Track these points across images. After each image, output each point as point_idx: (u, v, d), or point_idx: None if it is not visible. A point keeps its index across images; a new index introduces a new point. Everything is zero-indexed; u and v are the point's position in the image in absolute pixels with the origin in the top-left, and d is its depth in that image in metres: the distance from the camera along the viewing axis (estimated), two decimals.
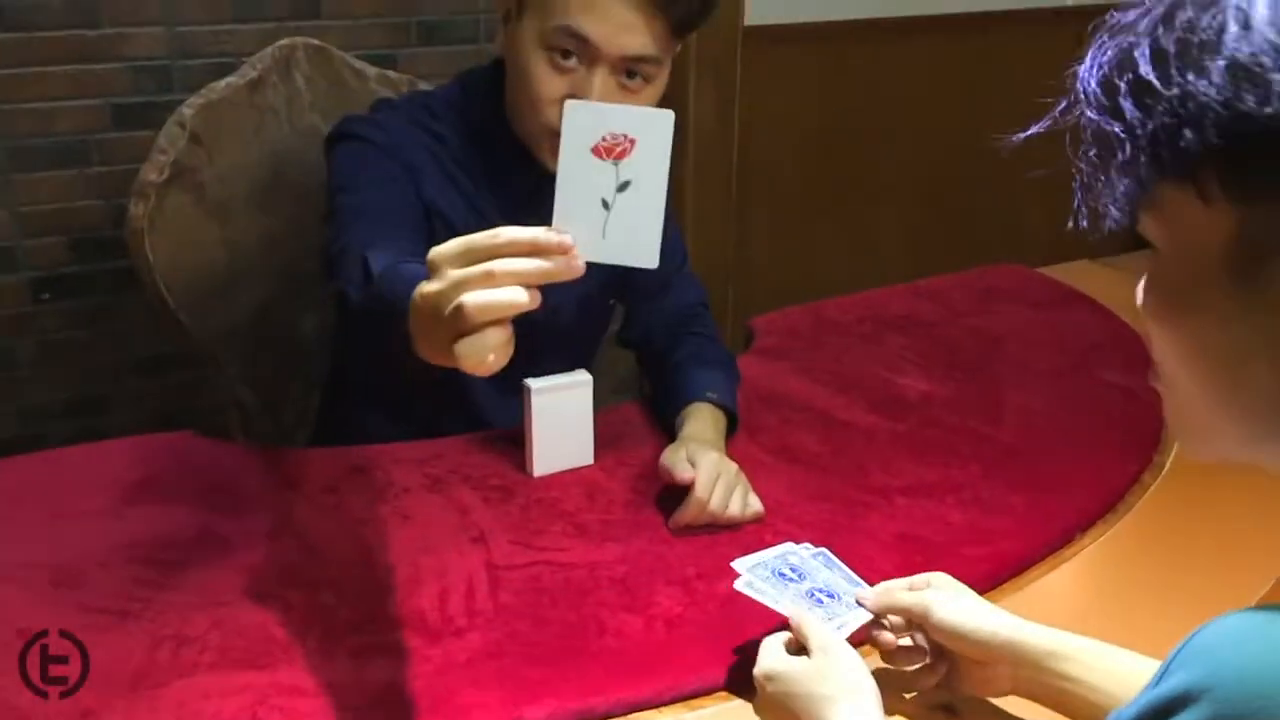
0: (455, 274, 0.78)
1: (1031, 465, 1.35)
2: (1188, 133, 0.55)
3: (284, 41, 1.78)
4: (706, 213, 2.65)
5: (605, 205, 0.81)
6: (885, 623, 0.97)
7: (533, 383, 1.27)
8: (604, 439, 1.34)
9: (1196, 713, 0.50)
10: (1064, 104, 0.62)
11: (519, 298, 0.77)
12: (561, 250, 0.80)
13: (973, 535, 1.21)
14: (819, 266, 2.83)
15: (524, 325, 1.47)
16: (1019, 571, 1.17)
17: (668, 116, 0.80)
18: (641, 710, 0.96)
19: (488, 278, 0.77)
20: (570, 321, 1.48)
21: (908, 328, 1.71)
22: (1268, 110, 0.53)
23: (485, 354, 0.77)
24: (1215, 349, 0.59)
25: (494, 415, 1.47)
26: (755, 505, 1.22)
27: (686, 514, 1.19)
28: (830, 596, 1.02)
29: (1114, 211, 0.61)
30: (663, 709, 0.97)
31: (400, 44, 2.40)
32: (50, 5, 2.08)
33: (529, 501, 1.25)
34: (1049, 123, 0.63)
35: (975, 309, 1.78)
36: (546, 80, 1.24)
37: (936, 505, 1.26)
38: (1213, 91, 0.54)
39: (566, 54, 1.23)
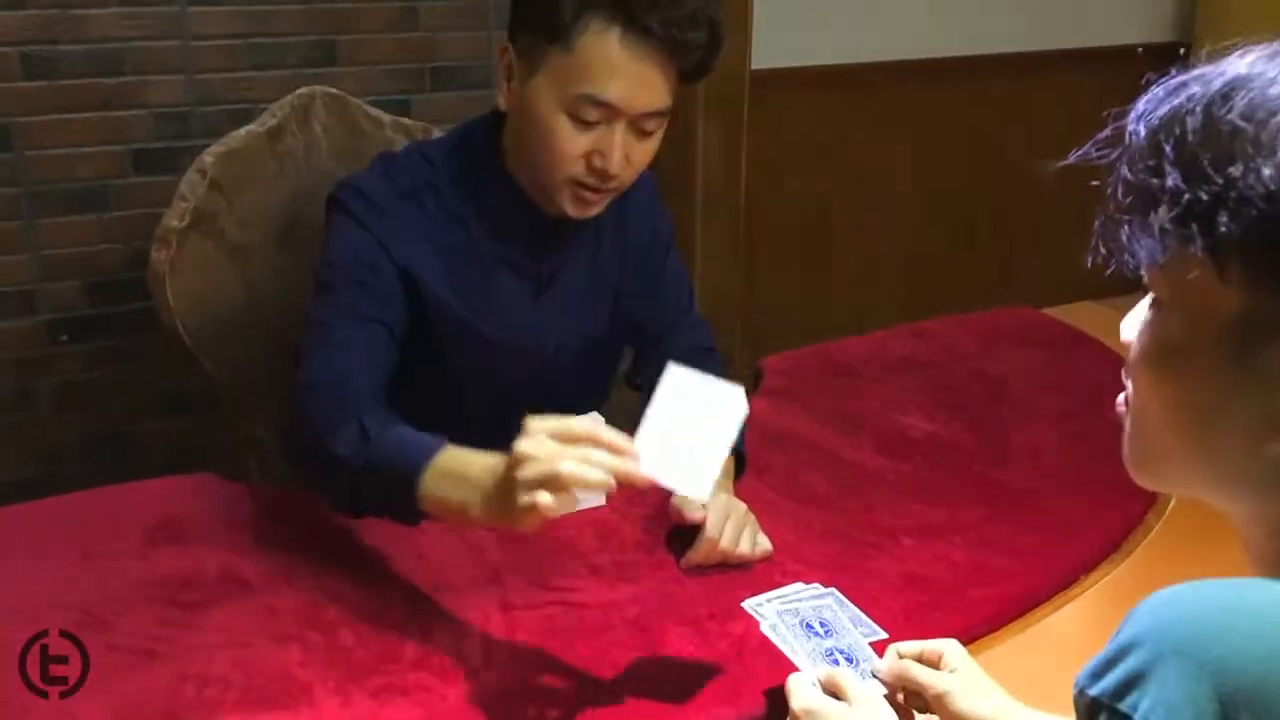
0: (554, 446, 0.97)
1: (1036, 506, 1.37)
2: (1224, 217, 0.59)
3: (302, 90, 1.82)
4: (715, 253, 2.69)
5: (681, 444, 0.99)
6: (899, 698, 0.99)
7: None
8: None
9: (1139, 657, 0.58)
10: (1103, 137, 0.65)
11: (607, 481, 0.96)
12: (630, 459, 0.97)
13: (978, 576, 1.23)
14: (826, 307, 2.86)
15: (532, 364, 1.51)
16: (1024, 612, 1.19)
17: (740, 395, 1.01)
18: None
19: (585, 458, 0.96)
20: (576, 361, 1.51)
21: (914, 369, 1.74)
22: None
23: (556, 510, 0.95)
24: (1196, 404, 0.65)
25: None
26: (764, 544, 1.25)
27: (698, 553, 1.22)
28: (849, 660, 1.05)
29: (1130, 259, 0.64)
30: None
31: (414, 89, 2.45)
32: (74, 54, 2.13)
33: (543, 542, 1.27)
34: (1088, 152, 0.66)
35: (980, 351, 1.81)
36: (570, 140, 1.29)
37: (943, 546, 1.28)
38: (1259, 189, 0.58)
39: (589, 119, 1.28)
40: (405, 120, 1.88)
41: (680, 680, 1.06)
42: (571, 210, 1.35)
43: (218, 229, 1.71)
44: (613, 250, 1.52)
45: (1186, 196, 0.60)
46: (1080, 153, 0.68)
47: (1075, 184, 0.71)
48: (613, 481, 0.95)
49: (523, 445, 0.98)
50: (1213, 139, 0.59)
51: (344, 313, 1.33)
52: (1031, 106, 2.99)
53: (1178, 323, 0.65)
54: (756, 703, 1.03)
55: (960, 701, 0.93)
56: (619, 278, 1.54)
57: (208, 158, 1.72)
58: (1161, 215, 0.61)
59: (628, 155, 1.31)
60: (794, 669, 1.04)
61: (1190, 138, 0.60)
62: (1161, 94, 0.63)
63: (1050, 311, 1.96)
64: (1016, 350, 1.81)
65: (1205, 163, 0.59)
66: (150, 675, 1.03)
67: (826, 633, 1.10)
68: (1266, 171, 0.58)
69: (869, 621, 1.13)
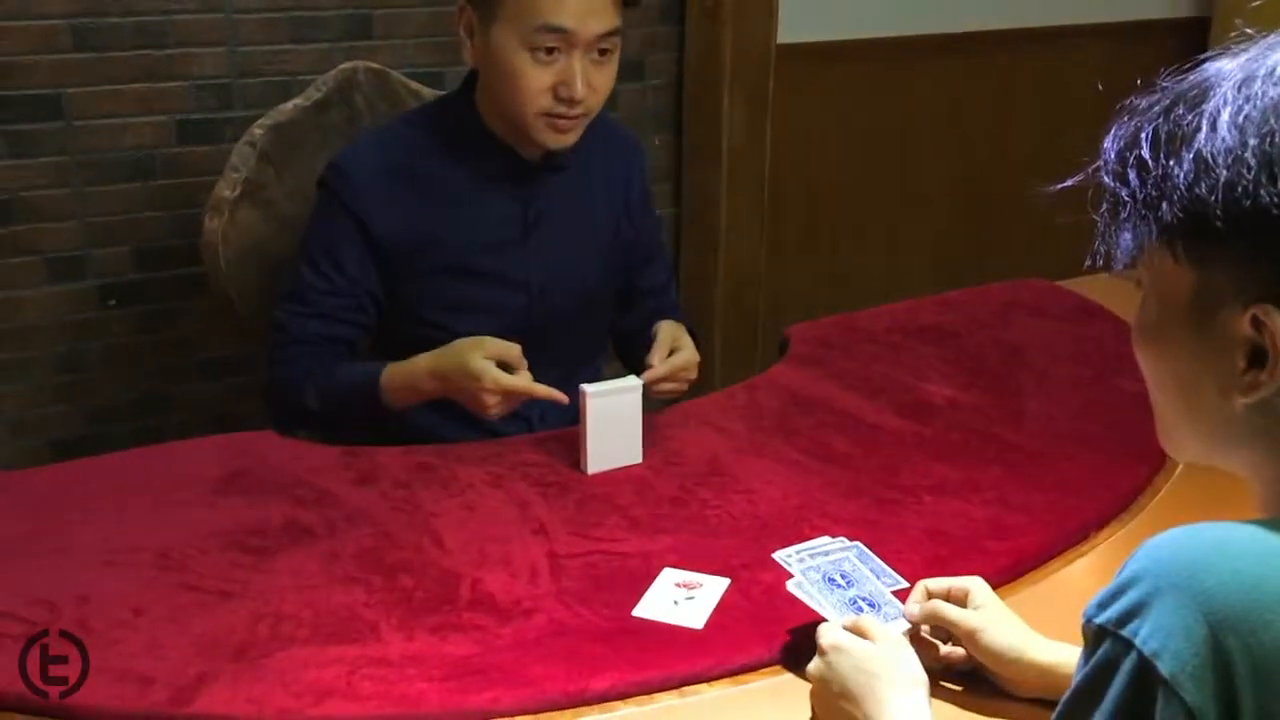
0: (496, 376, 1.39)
1: (1050, 468, 1.44)
2: (1164, 205, 0.70)
3: (345, 65, 1.89)
4: (739, 225, 2.75)
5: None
6: (923, 630, 1.08)
7: (588, 388, 1.38)
8: (650, 440, 1.45)
9: (1139, 590, 0.66)
10: (1094, 165, 0.76)
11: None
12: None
13: (995, 531, 1.30)
14: (848, 279, 2.92)
15: (522, 306, 1.67)
16: (1037, 565, 1.26)
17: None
18: (694, 684, 1.07)
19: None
20: (566, 303, 1.63)
21: (934, 338, 1.80)
22: (1213, 198, 0.67)
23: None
24: (1177, 374, 0.75)
25: (537, 419, 1.59)
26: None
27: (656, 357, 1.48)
28: (871, 606, 1.12)
29: (1119, 256, 0.75)
30: (713, 683, 1.07)
31: (447, 62, 2.51)
32: (122, 27, 2.19)
33: (584, 497, 1.35)
34: (1081, 177, 0.77)
35: (998, 321, 1.88)
36: (534, 75, 1.43)
37: (961, 503, 1.35)
38: (1181, 176, 0.69)
39: (548, 49, 1.42)
40: (443, 93, 1.95)
41: (716, 622, 1.13)
42: (549, 140, 1.49)
43: (267, 199, 1.79)
44: (605, 201, 1.65)
45: (1142, 194, 0.71)
46: (1074, 179, 0.78)
47: (1095, 159, 0.80)
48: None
49: (473, 366, 1.39)
50: (1155, 144, 0.71)
51: (306, 304, 1.53)
52: (1056, 80, 3.02)
53: (1154, 305, 0.75)
54: (784, 642, 1.10)
55: (990, 637, 1.02)
56: (615, 230, 1.67)
57: (257, 130, 1.80)
58: (1127, 212, 0.73)
59: (590, 81, 1.44)
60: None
61: (1143, 148, 0.71)
62: (1128, 119, 0.74)
63: (1067, 283, 2.02)
64: (1033, 320, 1.88)
65: (1149, 162, 0.71)
66: (227, 613, 1.12)
67: (848, 584, 1.18)
68: (1188, 155, 0.68)
69: (892, 572, 1.20)
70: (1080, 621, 1.01)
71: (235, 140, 1.81)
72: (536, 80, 1.43)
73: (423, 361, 1.46)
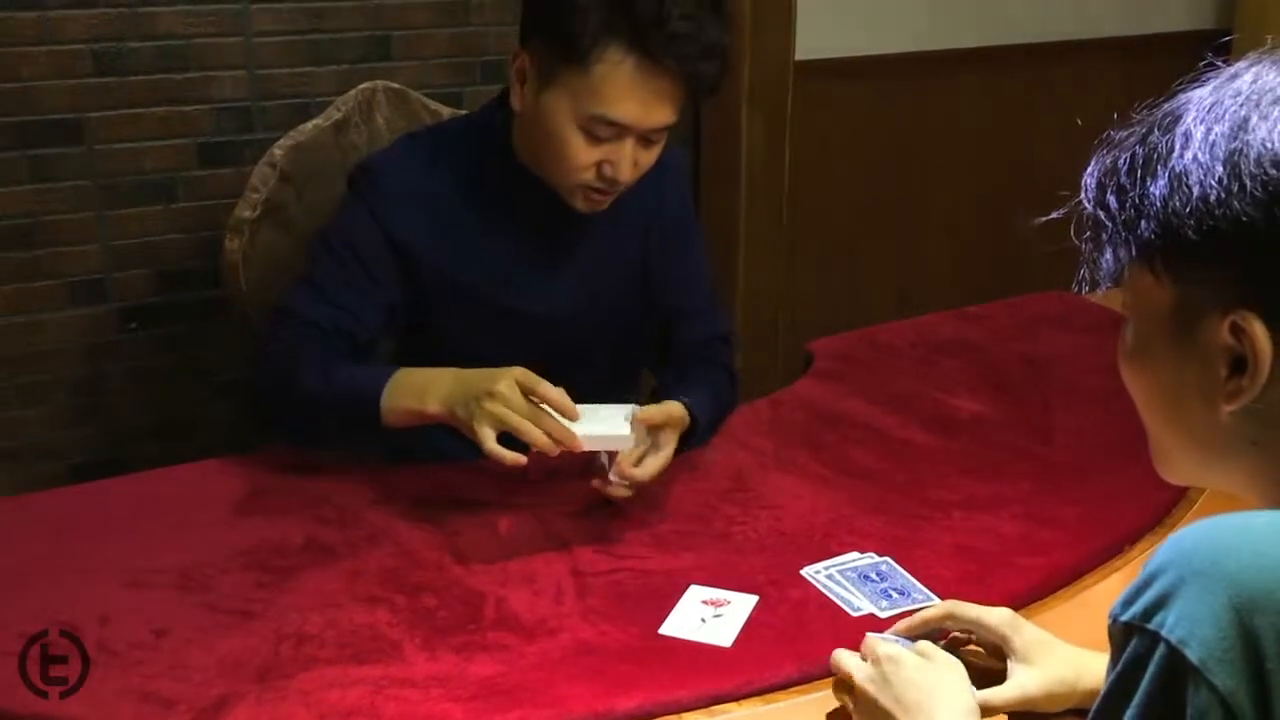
0: (520, 399, 1.24)
1: (1081, 481, 1.41)
2: (1142, 224, 0.73)
3: (365, 85, 1.89)
4: (759, 241, 2.74)
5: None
6: (965, 635, 1.07)
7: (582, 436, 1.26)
8: (675, 455, 1.42)
9: (1163, 582, 0.66)
10: (1075, 200, 0.79)
11: (547, 443, 1.24)
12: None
13: (1026, 546, 1.28)
14: (868, 294, 2.90)
15: (548, 336, 1.60)
16: (1071, 580, 1.24)
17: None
18: (723, 702, 1.05)
19: (536, 419, 1.23)
20: (595, 335, 1.58)
21: (958, 352, 1.78)
22: (1186, 211, 0.69)
23: (500, 455, 1.24)
24: (1162, 387, 0.77)
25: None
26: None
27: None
28: (902, 595, 1.14)
29: (1103, 280, 0.77)
30: (742, 701, 1.05)
31: (465, 82, 2.51)
32: (142, 51, 2.20)
33: (608, 514, 1.33)
34: (1067, 210, 0.80)
35: (1022, 334, 1.86)
36: (582, 152, 1.39)
37: (991, 518, 1.33)
38: (1157, 194, 0.71)
39: (600, 134, 1.37)
40: (463, 113, 1.95)
41: (745, 640, 1.12)
42: (582, 208, 1.46)
43: (288, 219, 1.79)
44: (635, 228, 1.60)
45: (1121, 216, 0.74)
46: (1059, 212, 0.81)
47: (1075, 192, 0.81)
48: (551, 445, 1.22)
49: (499, 386, 1.22)
50: (1133, 168, 0.74)
51: (320, 290, 1.45)
52: (1076, 95, 3.01)
53: (1137, 324, 0.77)
54: (814, 660, 1.08)
55: (1034, 695, 1.00)
56: (644, 257, 1.61)
57: (277, 151, 1.80)
58: (1108, 235, 0.76)
59: (637, 162, 1.41)
60: (852, 623, 1.10)
61: (1122, 174, 0.74)
62: (1106, 150, 0.77)
63: (1092, 297, 2.00)
64: (1059, 333, 1.86)
65: (1127, 184, 0.74)
66: (250, 633, 1.11)
67: (881, 577, 1.18)
68: (1163, 178, 0.71)
69: (922, 588, 1.19)
70: None
71: (256, 163, 1.81)
72: (582, 156, 1.39)
73: (444, 375, 1.31)
